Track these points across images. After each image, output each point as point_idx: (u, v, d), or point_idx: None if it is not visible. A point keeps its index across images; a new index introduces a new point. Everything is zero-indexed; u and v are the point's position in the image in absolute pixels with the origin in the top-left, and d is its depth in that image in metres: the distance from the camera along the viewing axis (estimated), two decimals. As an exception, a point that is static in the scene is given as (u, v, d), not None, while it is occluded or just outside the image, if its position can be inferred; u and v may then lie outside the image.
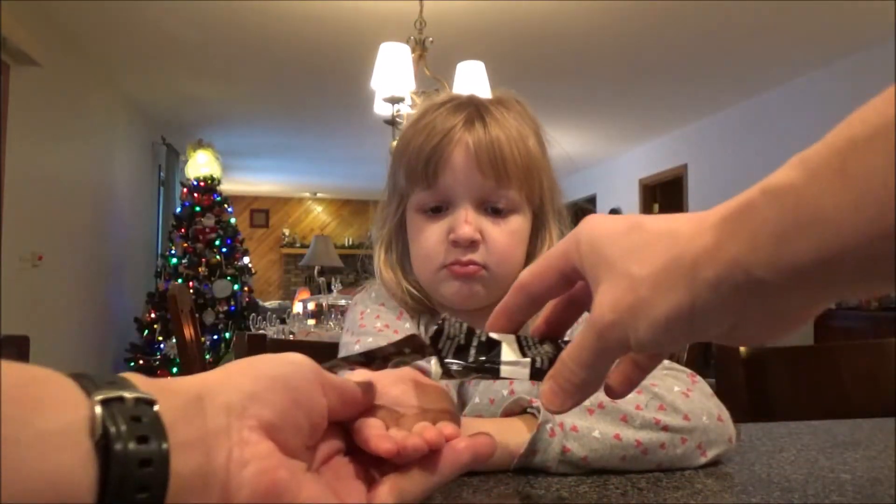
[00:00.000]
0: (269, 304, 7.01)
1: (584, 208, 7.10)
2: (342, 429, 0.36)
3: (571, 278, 0.35)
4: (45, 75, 3.40)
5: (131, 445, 0.24)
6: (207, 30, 3.65)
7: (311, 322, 2.91)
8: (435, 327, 0.38)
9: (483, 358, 0.38)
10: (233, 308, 5.12)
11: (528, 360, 0.38)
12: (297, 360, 0.33)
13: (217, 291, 5.04)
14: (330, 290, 3.23)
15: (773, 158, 4.61)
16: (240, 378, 0.31)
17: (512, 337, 0.39)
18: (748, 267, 0.26)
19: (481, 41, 3.70)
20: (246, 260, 5.48)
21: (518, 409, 0.57)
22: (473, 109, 0.71)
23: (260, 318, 2.95)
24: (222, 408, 0.29)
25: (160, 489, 0.25)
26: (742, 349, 1.12)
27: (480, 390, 0.68)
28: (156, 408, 0.26)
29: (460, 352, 0.38)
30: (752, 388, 1.10)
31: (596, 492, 0.48)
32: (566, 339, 0.38)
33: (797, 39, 3.78)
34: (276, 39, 3.77)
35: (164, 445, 0.25)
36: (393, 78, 2.51)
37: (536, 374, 0.37)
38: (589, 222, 0.34)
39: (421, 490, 0.34)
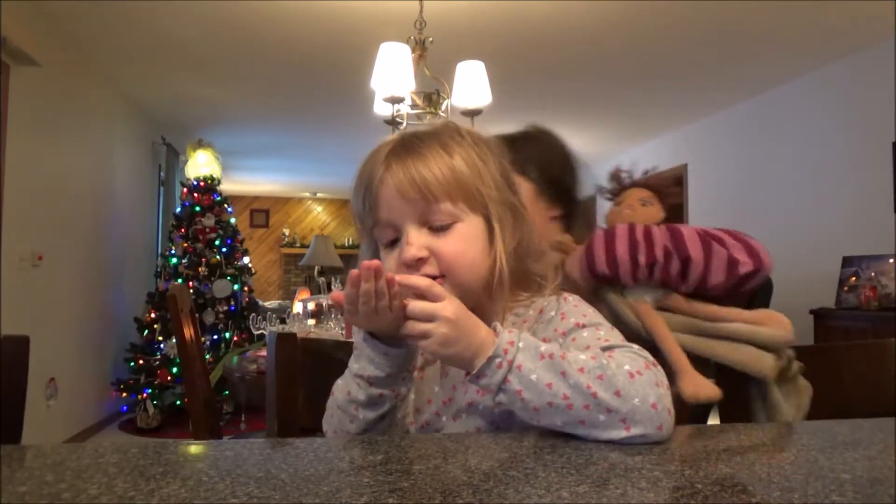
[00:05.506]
0: (269, 304, 7.01)
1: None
2: None
3: None
4: (45, 75, 3.40)
5: None
6: (207, 30, 3.65)
7: (311, 322, 2.91)
8: None
9: None
10: (233, 308, 5.11)
11: None
12: None
13: (217, 291, 5.03)
14: (330, 290, 3.23)
15: (773, 158, 4.62)
16: None
17: None
18: None
19: (481, 41, 3.70)
20: (246, 260, 5.47)
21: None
22: (396, 149, 0.76)
23: (260, 318, 2.95)
24: None
25: None
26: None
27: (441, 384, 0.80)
28: None
29: None
30: (752, 388, 1.10)
31: (596, 492, 0.48)
32: None
33: (797, 40, 3.77)
34: (277, 39, 3.77)
35: None
36: (393, 78, 2.52)
37: None
38: None
39: None
